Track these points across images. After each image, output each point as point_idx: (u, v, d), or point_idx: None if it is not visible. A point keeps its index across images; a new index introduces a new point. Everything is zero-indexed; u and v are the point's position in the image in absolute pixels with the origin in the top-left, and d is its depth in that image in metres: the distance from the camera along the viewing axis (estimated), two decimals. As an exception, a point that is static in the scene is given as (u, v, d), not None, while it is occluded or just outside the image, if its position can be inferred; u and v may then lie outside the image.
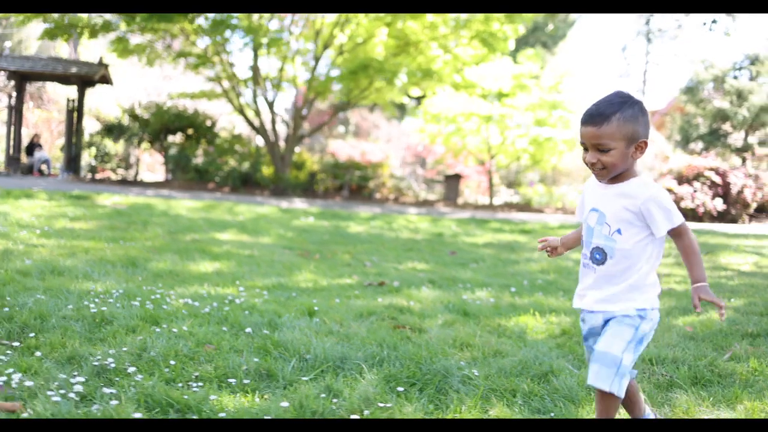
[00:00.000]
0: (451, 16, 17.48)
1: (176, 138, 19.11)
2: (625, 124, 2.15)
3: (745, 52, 21.51)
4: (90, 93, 21.11)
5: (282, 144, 19.42)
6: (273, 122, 18.92)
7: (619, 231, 2.24)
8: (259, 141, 21.75)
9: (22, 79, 18.15)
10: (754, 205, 18.97)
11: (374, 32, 18.11)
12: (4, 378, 2.61)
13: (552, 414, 2.71)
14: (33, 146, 19.29)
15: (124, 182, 17.22)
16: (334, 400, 2.67)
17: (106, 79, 18.67)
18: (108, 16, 17.12)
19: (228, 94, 18.75)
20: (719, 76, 20.99)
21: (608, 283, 2.27)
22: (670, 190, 19.07)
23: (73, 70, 17.78)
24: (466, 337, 3.85)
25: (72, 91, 19.56)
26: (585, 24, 69.54)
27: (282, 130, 21.39)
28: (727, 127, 21.28)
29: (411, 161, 25.96)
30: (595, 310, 2.31)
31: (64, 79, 18.31)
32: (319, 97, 19.44)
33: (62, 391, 2.52)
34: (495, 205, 21.17)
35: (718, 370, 3.45)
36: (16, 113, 18.20)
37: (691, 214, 18.60)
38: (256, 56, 18.18)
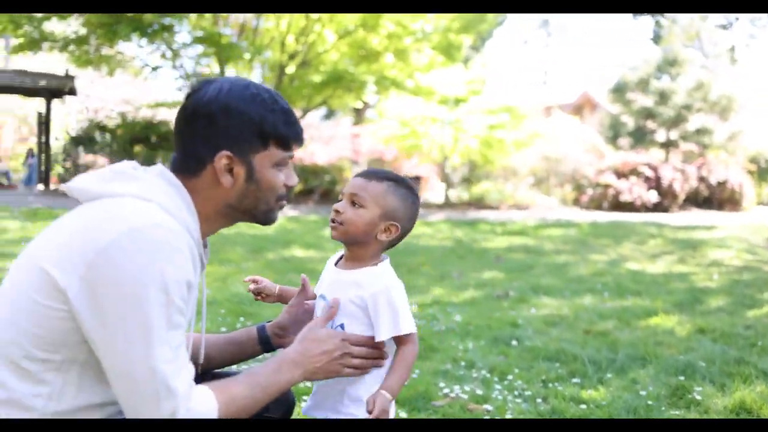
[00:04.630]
0: (416, 28, 18.69)
1: (140, 148, 19.39)
2: (392, 197, 1.98)
3: (665, 56, 23.91)
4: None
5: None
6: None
7: (342, 326, 1.95)
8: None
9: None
10: (682, 196, 21.39)
11: (336, 43, 19.08)
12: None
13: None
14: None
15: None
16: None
17: (72, 91, 18.73)
18: (76, 28, 17.25)
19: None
20: (644, 78, 23.27)
21: (325, 383, 1.98)
22: (609, 186, 21.19)
23: (42, 83, 17.79)
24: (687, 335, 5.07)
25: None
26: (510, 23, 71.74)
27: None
28: (651, 124, 23.66)
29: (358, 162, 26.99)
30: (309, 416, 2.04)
31: (32, 92, 18.25)
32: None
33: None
34: (453, 203, 22.66)
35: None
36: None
37: (629, 206, 20.78)
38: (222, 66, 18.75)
